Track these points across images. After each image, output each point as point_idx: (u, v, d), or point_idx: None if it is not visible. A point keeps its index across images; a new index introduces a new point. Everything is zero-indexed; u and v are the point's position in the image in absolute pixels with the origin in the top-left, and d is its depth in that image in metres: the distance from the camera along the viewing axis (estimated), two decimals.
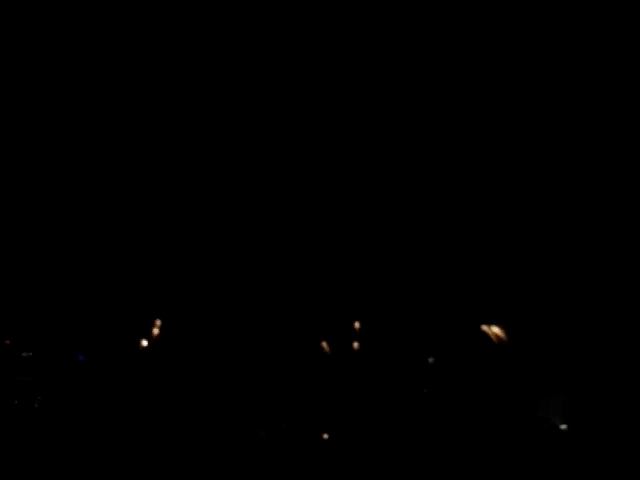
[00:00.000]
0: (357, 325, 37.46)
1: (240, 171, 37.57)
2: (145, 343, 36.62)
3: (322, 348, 37.42)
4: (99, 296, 36.41)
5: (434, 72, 36.43)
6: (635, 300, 34.18)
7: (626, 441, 30.91)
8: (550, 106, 35.67)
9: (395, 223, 37.46)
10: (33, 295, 36.15)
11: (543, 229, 36.27)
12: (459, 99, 36.49)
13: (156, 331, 36.79)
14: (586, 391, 33.91)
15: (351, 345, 37.36)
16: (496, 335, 34.67)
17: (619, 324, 34.39)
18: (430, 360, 36.89)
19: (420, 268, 37.33)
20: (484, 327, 34.86)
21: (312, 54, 36.62)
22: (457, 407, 34.95)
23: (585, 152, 35.43)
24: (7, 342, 36.19)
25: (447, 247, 37.06)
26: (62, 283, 36.29)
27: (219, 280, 37.61)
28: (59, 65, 36.04)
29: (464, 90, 36.41)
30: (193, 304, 37.23)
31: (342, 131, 37.42)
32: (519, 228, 36.59)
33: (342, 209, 37.79)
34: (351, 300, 37.60)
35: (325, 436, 34.39)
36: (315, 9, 36.00)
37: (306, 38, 36.36)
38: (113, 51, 36.23)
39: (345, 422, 35.05)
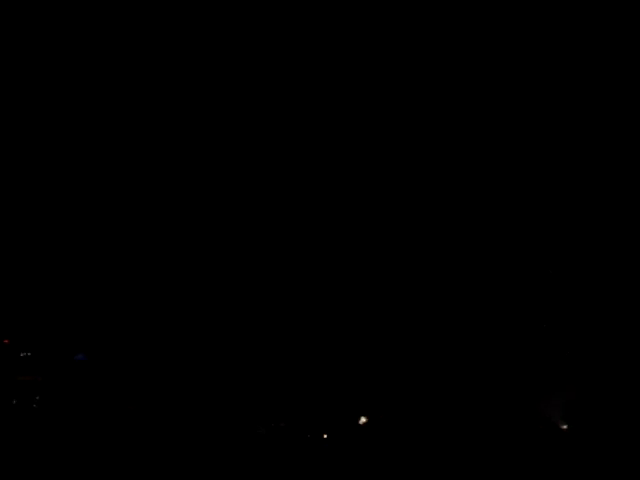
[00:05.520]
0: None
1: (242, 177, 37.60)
2: (143, 342, 36.60)
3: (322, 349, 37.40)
4: (99, 295, 36.37)
5: (434, 72, 36.46)
6: (635, 300, 34.24)
7: (626, 441, 30.96)
8: (550, 106, 35.72)
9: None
10: (32, 294, 36.10)
11: (541, 228, 36.33)
12: (459, 99, 36.52)
13: (154, 329, 36.77)
14: (586, 391, 33.96)
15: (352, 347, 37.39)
16: None
17: (619, 323, 34.45)
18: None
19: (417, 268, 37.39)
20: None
21: (312, 54, 36.64)
22: (457, 407, 34.99)
23: (585, 152, 35.49)
24: (5, 341, 36.15)
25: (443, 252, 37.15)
26: (62, 283, 36.25)
27: (218, 278, 37.60)
28: (59, 65, 36.03)
29: (464, 90, 36.45)
30: (193, 303, 37.22)
31: (343, 131, 37.44)
32: (517, 228, 36.66)
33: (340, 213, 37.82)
34: (352, 300, 37.64)
35: (325, 436, 34.38)
36: (315, 9, 36.02)
37: (306, 38, 36.38)
38: (113, 51, 36.22)
39: (345, 422, 35.05)
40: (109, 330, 36.12)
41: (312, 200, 37.79)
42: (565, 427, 34.15)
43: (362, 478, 29.72)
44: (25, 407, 33.83)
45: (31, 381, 34.77)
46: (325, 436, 34.08)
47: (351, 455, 31.99)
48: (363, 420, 35.03)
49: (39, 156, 36.51)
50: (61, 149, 36.69)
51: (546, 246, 35.92)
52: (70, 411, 33.21)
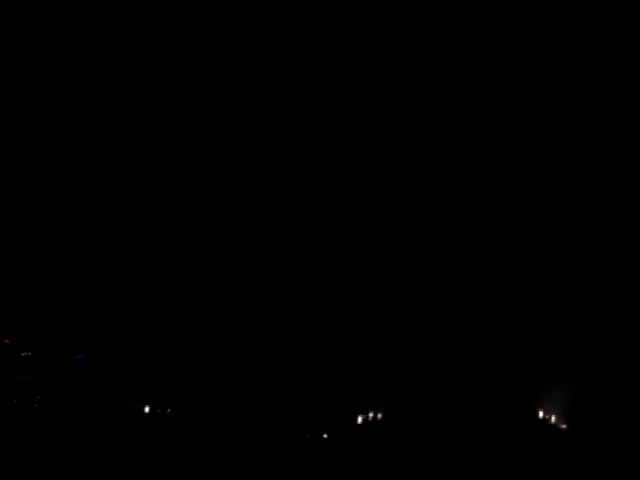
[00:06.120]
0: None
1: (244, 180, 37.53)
2: (143, 342, 36.55)
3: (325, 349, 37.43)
4: (99, 296, 36.33)
5: (434, 72, 36.43)
6: (635, 300, 34.18)
7: (626, 441, 30.92)
8: (550, 106, 35.68)
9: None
10: (33, 294, 36.07)
11: (542, 228, 36.29)
12: (459, 99, 36.49)
13: (154, 330, 36.73)
14: (586, 391, 33.90)
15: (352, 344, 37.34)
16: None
17: (619, 324, 34.40)
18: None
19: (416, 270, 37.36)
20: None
21: (312, 54, 36.61)
22: (457, 407, 34.93)
23: (585, 152, 35.45)
24: (6, 341, 36.12)
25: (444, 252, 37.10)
26: (62, 283, 36.22)
27: (218, 279, 37.56)
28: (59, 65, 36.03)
29: (464, 90, 36.41)
30: (193, 304, 37.18)
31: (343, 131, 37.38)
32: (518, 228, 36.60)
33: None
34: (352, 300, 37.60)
35: (325, 436, 34.35)
36: (315, 9, 36.01)
37: (306, 38, 36.36)
38: (113, 51, 36.23)
39: (345, 422, 35.02)
40: (109, 330, 36.10)
41: (312, 200, 37.75)
42: (565, 427, 34.14)
43: (362, 478, 29.68)
44: (25, 407, 33.84)
45: (31, 381, 34.79)
46: (325, 436, 34.08)
47: (351, 455, 31.94)
48: (363, 420, 35.03)
49: (39, 156, 36.50)
50: (61, 149, 36.68)
51: (546, 246, 35.88)
52: (70, 411, 33.19)
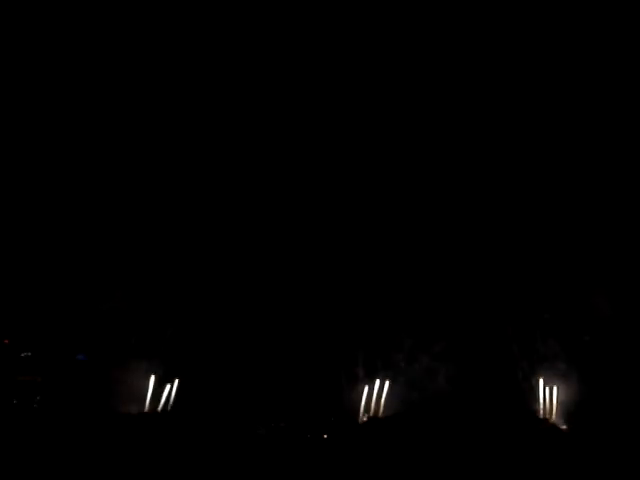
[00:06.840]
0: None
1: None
2: (143, 342, 36.55)
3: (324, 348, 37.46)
4: (99, 295, 36.33)
5: (434, 72, 36.47)
6: (635, 299, 34.23)
7: (626, 441, 30.97)
8: (550, 106, 35.72)
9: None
10: (33, 294, 36.06)
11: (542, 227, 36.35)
12: (459, 99, 36.53)
13: (153, 330, 36.74)
14: (586, 390, 33.97)
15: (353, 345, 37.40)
16: None
17: (619, 323, 34.45)
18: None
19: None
20: None
21: (312, 54, 36.64)
22: (456, 407, 34.98)
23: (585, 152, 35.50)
24: (6, 341, 36.14)
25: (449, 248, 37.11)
26: (62, 283, 36.21)
27: (221, 279, 37.57)
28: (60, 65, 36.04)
29: (464, 90, 36.45)
30: (193, 304, 37.18)
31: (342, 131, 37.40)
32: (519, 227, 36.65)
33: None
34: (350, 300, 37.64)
35: (325, 436, 34.39)
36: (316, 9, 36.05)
37: (306, 38, 36.39)
38: (113, 51, 36.24)
39: (345, 422, 35.05)
40: (109, 330, 36.09)
41: (312, 200, 37.78)
42: (565, 427, 34.19)
43: (362, 478, 29.73)
44: (25, 407, 33.88)
45: (31, 381, 34.83)
46: (325, 436, 34.14)
47: (351, 455, 31.97)
48: (363, 420, 35.08)
49: (39, 156, 36.50)
50: (61, 149, 36.68)
51: (545, 247, 35.92)
52: (70, 411, 33.21)
